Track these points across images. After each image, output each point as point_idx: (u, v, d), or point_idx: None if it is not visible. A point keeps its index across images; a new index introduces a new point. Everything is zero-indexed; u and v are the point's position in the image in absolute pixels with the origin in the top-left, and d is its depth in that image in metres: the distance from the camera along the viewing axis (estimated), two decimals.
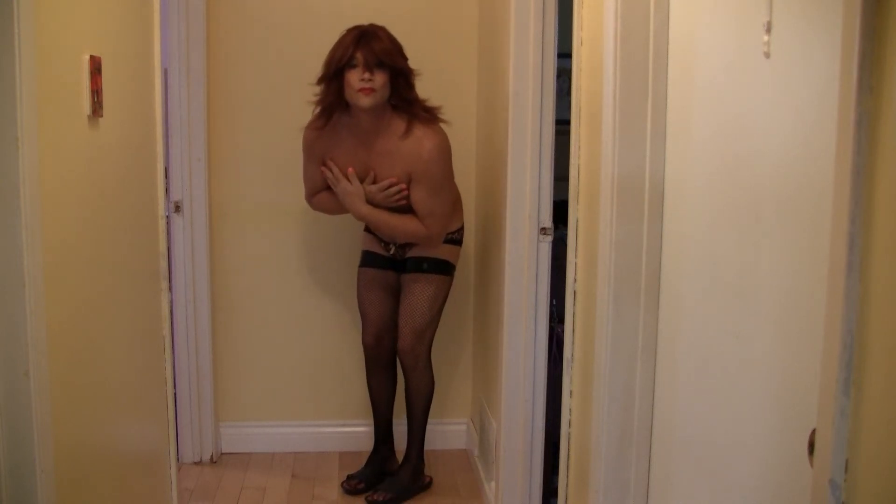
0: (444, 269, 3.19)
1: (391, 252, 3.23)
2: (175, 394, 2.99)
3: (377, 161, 3.02)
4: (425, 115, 2.99)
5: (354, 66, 2.88)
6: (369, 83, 2.87)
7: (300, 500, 3.28)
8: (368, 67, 2.87)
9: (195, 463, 3.57)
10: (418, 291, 3.16)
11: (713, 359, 1.55)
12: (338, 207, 3.18)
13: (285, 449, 3.69)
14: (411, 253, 3.19)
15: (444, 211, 3.09)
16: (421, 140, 2.96)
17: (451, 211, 3.15)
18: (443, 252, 3.18)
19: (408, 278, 3.18)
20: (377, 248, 3.26)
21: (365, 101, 2.89)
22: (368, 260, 3.28)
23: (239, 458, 3.64)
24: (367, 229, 3.28)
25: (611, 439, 1.85)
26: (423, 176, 2.99)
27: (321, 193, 3.19)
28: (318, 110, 3.02)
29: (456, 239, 3.22)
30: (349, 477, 3.34)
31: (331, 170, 3.07)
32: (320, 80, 2.96)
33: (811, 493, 1.01)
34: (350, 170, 3.03)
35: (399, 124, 2.98)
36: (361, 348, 3.36)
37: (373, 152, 3.02)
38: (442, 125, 3.02)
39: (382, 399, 3.38)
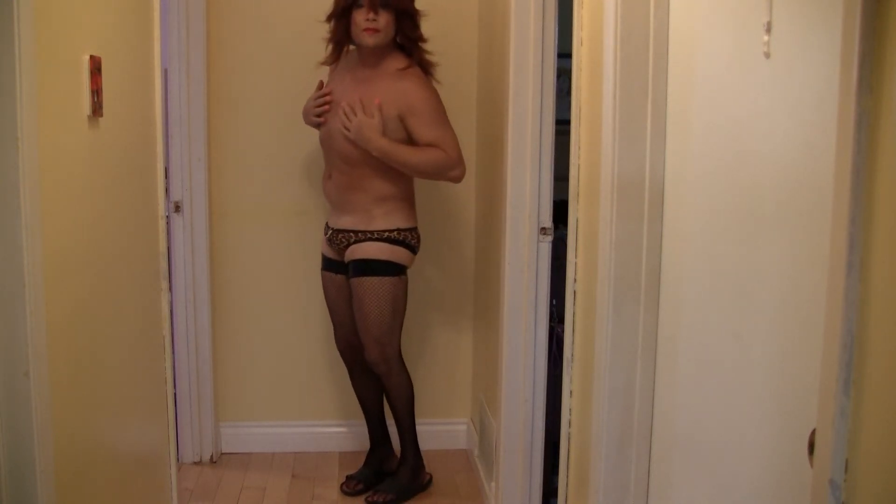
0: (389, 270, 3.08)
1: (328, 235, 3.18)
2: (175, 394, 2.99)
3: (361, 92, 3.02)
4: (425, 63, 3.07)
5: (360, 6, 2.96)
6: (373, 23, 2.95)
7: (300, 500, 3.28)
8: (373, 8, 2.95)
9: (195, 463, 3.57)
10: (367, 298, 3.07)
11: (713, 359, 1.55)
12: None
13: (285, 449, 3.69)
14: (352, 255, 3.10)
15: (452, 141, 3.03)
16: (411, 76, 3.03)
17: (458, 144, 3.05)
18: (384, 252, 3.07)
19: (353, 283, 3.10)
20: (328, 251, 3.23)
21: (369, 40, 2.97)
22: (325, 264, 3.27)
23: (239, 458, 3.64)
24: (325, 230, 3.24)
25: (611, 439, 1.85)
26: (417, 109, 3.00)
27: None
28: (329, 47, 3.12)
29: (398, 239, 3.08)
30: (348, 478, 3.34)
31: (346, 107, 3.02)
32: (329, 18, 3.06)
33: (811, 493, 1.01)
34: (377, 101, 2.98)
35: (400, 62, 3.05)
36: None
37: (367, 90, 3.01)
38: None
39: (369, 401, 3.35)
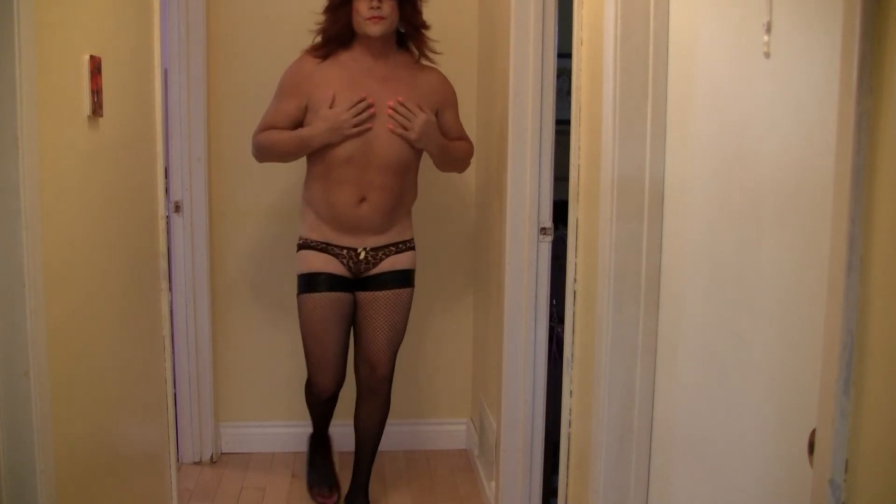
0: (413, 279, 3.03)
1: (361, 257, 2.92)
2: (175, 394, 2.99)
3: (393, 89, 2.84)
4: (429, 52, 2.94)
5: None
6: (378, 11, 2.76)
7: (300, 500, 3.28)
8: None
9: (195, 463, 3.57)
10: (399, 309, 2.96)
11: (713, 358, 1.55)
12: (289, 147, 2.87)
13: (285, 449, 3.69)
14: (390, 266, 2.94)
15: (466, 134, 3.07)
16: (434, 70, 2.97)
17: None
18: (413, 262, 3.02)
19: (384, 296, 2.94)
20: (335, 268, 2.91)
21: (374, 29, 2.78)
22: (325, 283, 2.90)
23: (239, 458, 3.64)
24: (320, 248, 2.93)
25: (611, 439, 1.85)
26: (451, 103, 2.97)
27: (277, 130, 2.88)
28: (318, 40, 2.88)
29: (414, 247, 3.05)
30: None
31: (396, 108, 2.82)
32: (327, 10, 2.86)
33: (811, 493, 1.01)
34: (415, 103, 2.86)
35: (409, 55, 2.94)
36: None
37: (385, 82, 2.86)
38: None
39: (375, 426, 3.10)
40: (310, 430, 3.57)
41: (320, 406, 3.12)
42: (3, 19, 1.49)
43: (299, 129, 2.85)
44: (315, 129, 2.81)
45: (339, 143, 2.81)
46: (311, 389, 3.06)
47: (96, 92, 1.91)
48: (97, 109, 1.92)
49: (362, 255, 2.92)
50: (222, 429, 3.68)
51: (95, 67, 1.90)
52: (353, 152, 2.81)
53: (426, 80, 2.93)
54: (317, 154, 2.86)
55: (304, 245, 2.96)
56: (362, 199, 2.86)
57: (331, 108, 2.80)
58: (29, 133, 1.54)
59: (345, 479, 3.33)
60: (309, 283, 2.93)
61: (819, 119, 1.17)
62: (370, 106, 2.79)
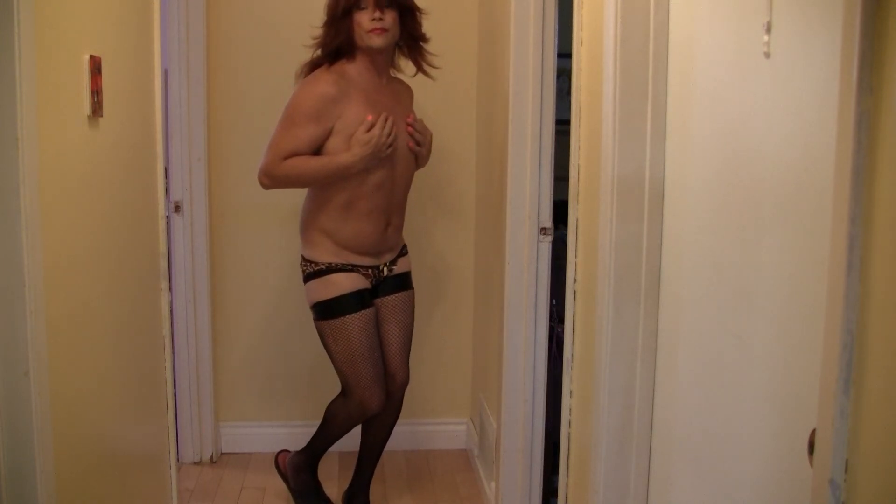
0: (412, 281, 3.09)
1: (385, 274, 2.94)
2: (175, 394, 2.99)
3: (396, 104, 2.85)
4: (427, 65, 2.90)
5: (362, 8, 2.72)
6: (380, 23, 2.72)
7: None
8: (379, 6, 2.71)
9: (195, 463, 3.57)
10: (409, 311, 3.01)
11: (713, 358, 1.55)
12: (319, 176, 2.75)
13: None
14: (399, 268, 2.98)
15: None
16: (405, 83, 2.97)
17: None
18: (410, 264, 3.06)
19: (398, 298, 2.97)
20: (363, 283, 2.86)
21: (377, 41, 2.73)
22: (360, 301, 2.84)
23: (239, 458, 3.64)
24: (347, 269, 2.84)
25: (611, 439, 1.85)
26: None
27: (302, 157, 2.73)
28: (317, 54, 2.81)
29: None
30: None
31: (414, 125, 2.84)
32: (327, 24, 2.79)
33: (811, 493, 1.01)
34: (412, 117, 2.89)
35: (405, 65, 2.93)
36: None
37: (391, 97, 2.84)
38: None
39: (384, 438, 3.14)
40: (308, 430, 3.58)
41: (356, 424, 3.01)
42: (3, 19, 1.49)
43: (332, 155, 2.72)
44: (355, 155, 2.70)
45: (372, 169, 2.74)
46: (354, 411, 2.93)
47: (96, 92, 1.91)
48: (97, 109, 1.92)
49: (385, 272, 2.94)
50: (222, 429, 3.68)
51: (95, 67, 1.90)
52: (383, 177, 2.78)
53: (406, 93, 2.96)
54: (341, 182, 2.76)
55: (328, 269, 2.83)
56: (388, 224, 2.86)
57: (367, 131, 2.71)
58: (29, 133, 1.54)
59: (344, 478, 3.34)
60: (346, 304, 2.83)
61: (819, 119, 1.17)
62: (393, 124, 2.77)
